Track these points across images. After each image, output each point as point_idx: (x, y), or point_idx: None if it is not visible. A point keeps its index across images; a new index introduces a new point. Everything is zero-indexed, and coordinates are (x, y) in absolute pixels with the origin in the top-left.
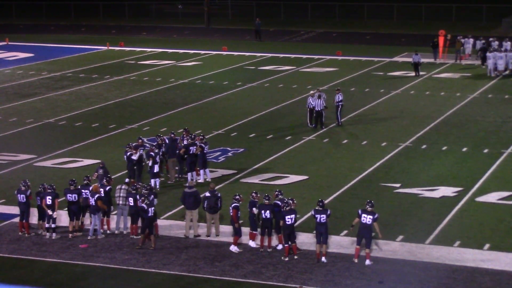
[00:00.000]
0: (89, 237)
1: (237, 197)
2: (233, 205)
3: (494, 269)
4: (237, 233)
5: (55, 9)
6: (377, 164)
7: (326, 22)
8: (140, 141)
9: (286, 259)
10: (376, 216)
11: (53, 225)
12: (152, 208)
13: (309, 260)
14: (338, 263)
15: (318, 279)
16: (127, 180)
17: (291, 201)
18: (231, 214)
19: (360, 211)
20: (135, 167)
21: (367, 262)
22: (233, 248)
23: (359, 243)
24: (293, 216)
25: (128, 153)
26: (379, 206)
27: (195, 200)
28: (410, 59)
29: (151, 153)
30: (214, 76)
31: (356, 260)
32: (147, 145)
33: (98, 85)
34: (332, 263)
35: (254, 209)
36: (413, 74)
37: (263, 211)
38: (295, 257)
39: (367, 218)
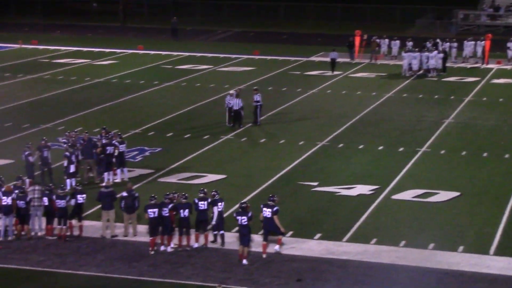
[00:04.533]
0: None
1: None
2: (275, 209)
3: (410, 265)
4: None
5: None
6: (295, 163)
7: (243, 21)
8: (42, 142)
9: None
10: (275, 209)
11: None
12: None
13: (229, 259)
14: (257, 262)
15: (237, 278)
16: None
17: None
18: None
19: (262, 206)
20: (46, 168)
21: (264, 256)
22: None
23: (265, 238)
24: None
25: (26, 153)
26: (297, 205)
27: (111, 200)
28: (326, 59)
29: (66, 153)
30: (131, 75)
31: (264, 256)
32: (63, 145)
33: (11, 84)
34: (251, 262)
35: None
36: (329, 73)
37: (181, 210)
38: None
39: (266, 212)
